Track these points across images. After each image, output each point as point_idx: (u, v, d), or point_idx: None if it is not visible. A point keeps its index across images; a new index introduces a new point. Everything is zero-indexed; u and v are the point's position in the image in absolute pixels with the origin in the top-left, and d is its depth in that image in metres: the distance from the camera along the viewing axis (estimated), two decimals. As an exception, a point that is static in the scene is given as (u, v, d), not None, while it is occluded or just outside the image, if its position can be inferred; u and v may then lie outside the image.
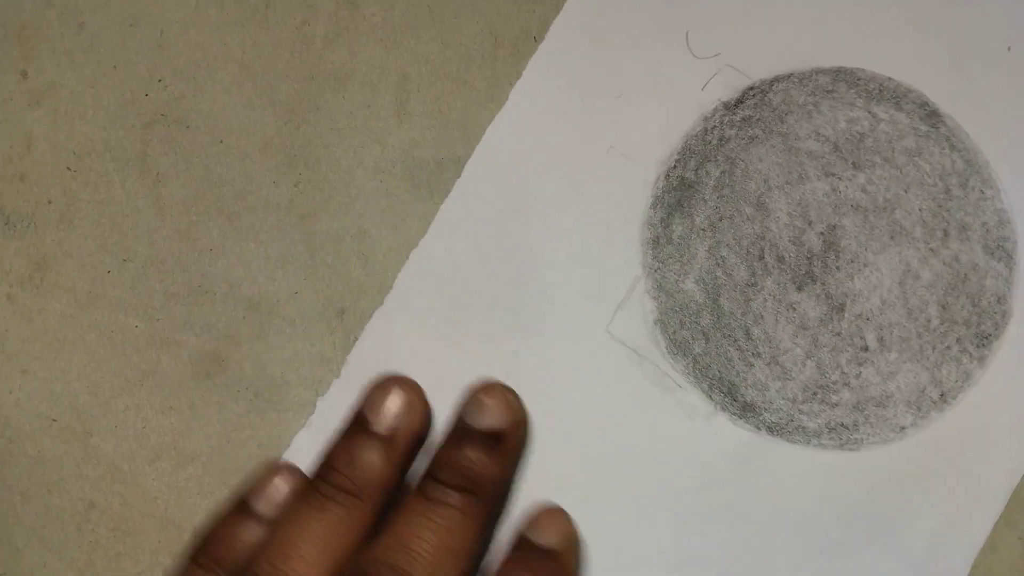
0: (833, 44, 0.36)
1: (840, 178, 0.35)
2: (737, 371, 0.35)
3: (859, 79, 0.36)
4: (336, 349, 0.37)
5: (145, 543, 0.37)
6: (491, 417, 0.29)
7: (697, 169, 0.36)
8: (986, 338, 0.35)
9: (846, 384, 0.35)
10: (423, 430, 0.31)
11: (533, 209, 0.37)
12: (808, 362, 0.35)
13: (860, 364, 0.35)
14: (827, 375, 0.35)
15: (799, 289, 0.35)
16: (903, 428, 0.34)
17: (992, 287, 0.35)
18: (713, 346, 0.35)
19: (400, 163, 0.38)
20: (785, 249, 0.35)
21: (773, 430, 0.35)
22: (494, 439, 0.29)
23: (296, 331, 0.37)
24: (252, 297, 0.37)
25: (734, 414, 0.35)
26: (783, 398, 0.35)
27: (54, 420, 0.37)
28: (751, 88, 0.36)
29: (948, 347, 0.35)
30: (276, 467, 0.31)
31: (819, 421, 0.35)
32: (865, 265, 0.35)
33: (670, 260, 0.36)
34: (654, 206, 0.36)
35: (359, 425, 0.30)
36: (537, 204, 0.36)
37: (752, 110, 0.36)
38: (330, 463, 0.29)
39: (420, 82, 0.38)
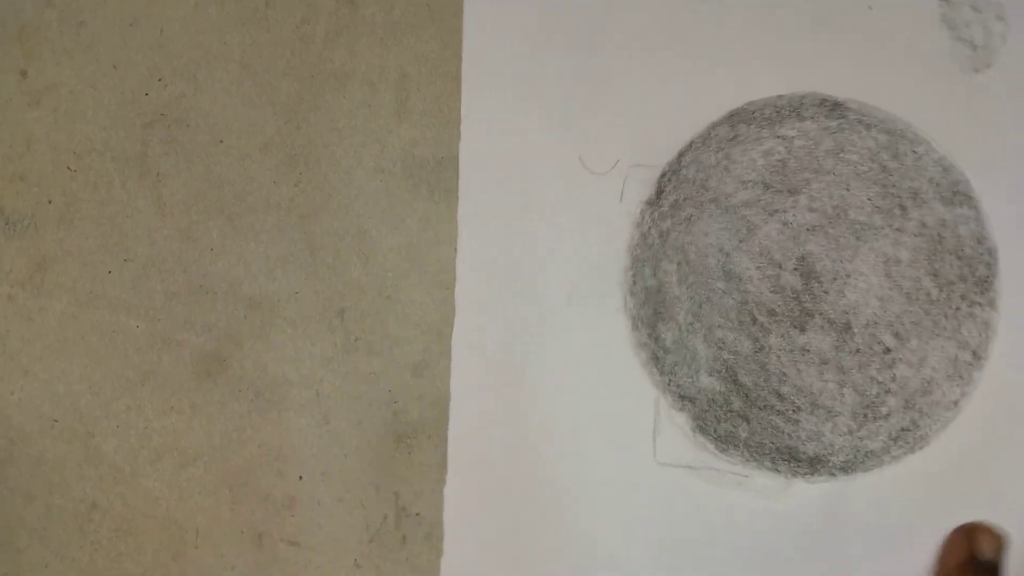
0: (713, 95, 0.36)
1: (784, 210, 0.35)
2: (788, 434, 0.35)
3: (752, 112, 0.36)
4: (337, 348, 0.37)
5: (147, 543, 0.37)
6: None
7: (655, 273, 0.36)
8: (985, 282, 0.35)
9: (887, 391, 0.35)
10: None
11: (535, 378, 0.37)
12: (844, 391, 0.35)
13: (890, 367, 0.35)
14: (867, 393, 0.35)
15: (802, 330, 0.35)
16: (956, 403, 0.35)
17: (967, 232, 0.35)
18: (756, 423, 0.35)
19: (400, 162, 0.37)
20: (771, 301, 0.35)
21: (847, 469, 0.35)
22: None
23: (297, 330, 0.37)
24: (253, 297, 0.37)
25: (806, 473, 0.35)
26: (840, 435, 0.35)
27: (56, 421, 0.37)
28: (663, 175, 0.36)
29: (957, 308, 0.35)
30: None
31: (881, 438, 0.35)
32: (848, 276, 0.35)
33: (677, 367, 0.35)
34: (635, 327, 0.36)
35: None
36: (541, 382, 0.37)
37: (675, 194, 0.36)
38: None
39: (420, 81, 0.38)
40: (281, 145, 0.38)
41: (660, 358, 0.35)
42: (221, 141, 0.38)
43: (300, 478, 0.37)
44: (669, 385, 0.35)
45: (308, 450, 0.37)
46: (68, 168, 0.38)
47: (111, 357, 0.37)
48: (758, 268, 0.35)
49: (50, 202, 0.38)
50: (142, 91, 0.38)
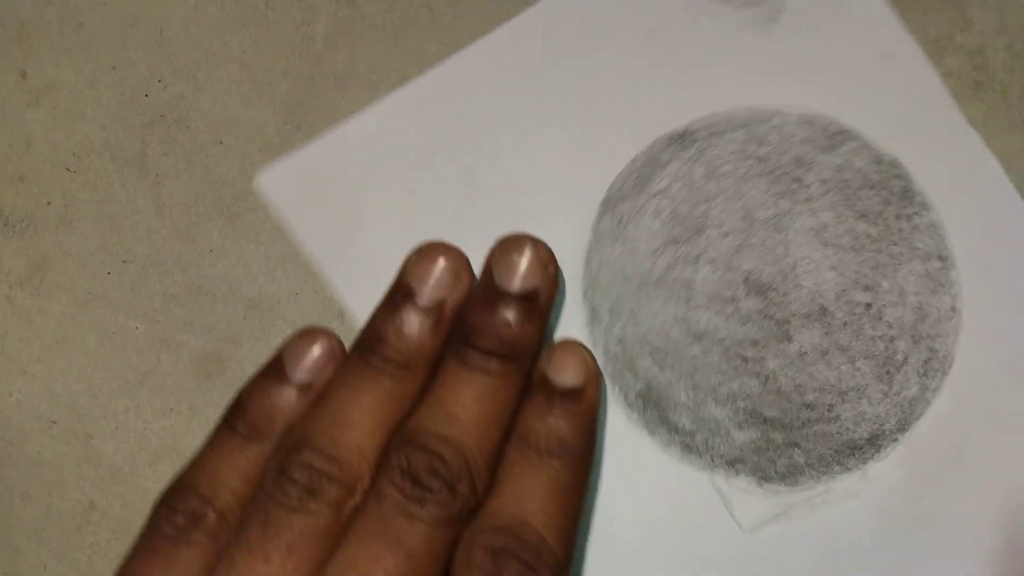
0: (580, 196, 0.36)
1: (703, 251, 0.35)
2: (837, 432, 0.35)
3: (620, 189, 0.36)
4: (337, 350, 0.37)
5: (146, 545, 0.37)
6: (526, 278, 0.29)
7: (636, 376, 0.35)
8: (906, 191, 0.35)
9: (892, 339, 0.35)
10: (466, 298, 0.30)
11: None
12: (858, 364, 0.35)
13: (879, 317, 0.35)
14: (876, 353, 0.35)
15: (789, 340, 0.35)
16: (952, 308, 0.35)
17: (863, 161, 0.35)
18: (806, 442, 0.35)
19: (401, 163, 0.37)
20: (747, 334, 0.35)
21: (903, 427, 0.35)
22: (529, 300, 0.29)
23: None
24: (252, 298, 0.37)
25: (873, 454, 0.35)
26: (878, 403, 0.35)
27: (54, 422, 0.37)
28: (584, 292, 0.35)
29: (900, 229, 0.35)
30: (313, 333, 0.30)
31: (914, 382, 0.35)
32: (794, 268, 0.35)
33: (709, 442, 0.35)
34: (653, 433, 0.35)
35: (405, 296, 0.29)
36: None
37: (606, 301, 0.35)
38: (379, 335, 0.29)
39: (421, 82, 0.38)
40: (281, 146, 0.38)
41: (691, 444, 0.35)
42: (221, 142, 0.38)
43: (300, 479, 0.37)
44: (713, 461, 0.35)
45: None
46: (67, 169, 0.38)
47: (110, 358, 0.37)
48: (717, 313, 0.35)
49: (49, 203, 0.38)
50: (142, 91, 0.38)
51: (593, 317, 0.35)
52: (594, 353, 0.33)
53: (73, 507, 0.37)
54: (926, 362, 0.35)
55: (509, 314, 0.28)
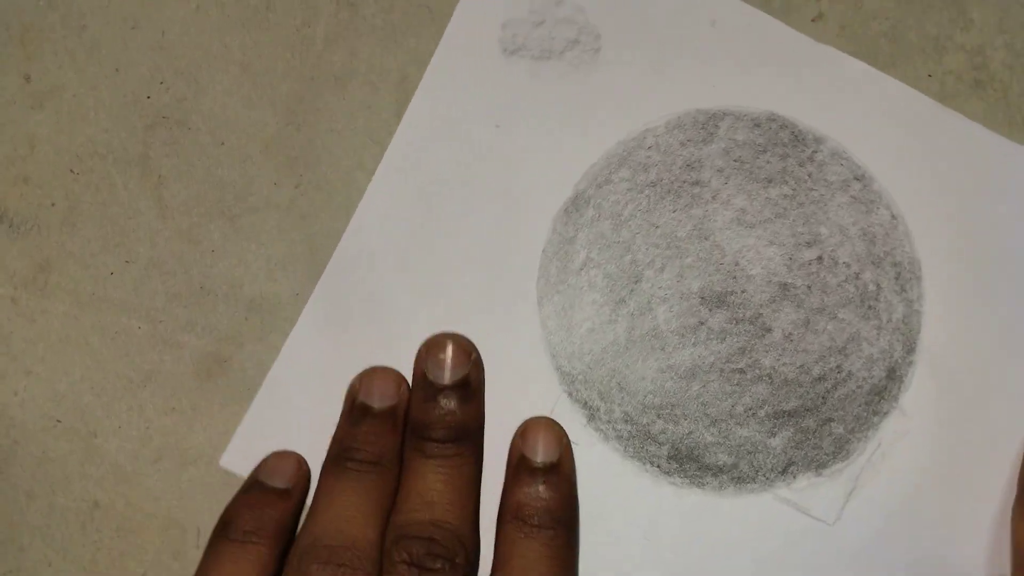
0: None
1: (651, 298, 0.35)
2: (858, 387, 0.35)
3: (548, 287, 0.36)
4: (337, 350, 0.37)
5: (148, 543, 0.37)
6: (455, 370, 0.32)
7: (656, 439, 0.35)
8: (809, 140, 0.36)
9: (860, 273, 0.35)
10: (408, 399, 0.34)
11: None
12: (841, 315, 0.35)
13: (835, 262, 0.35)
14: (854, 296, 0.35)
15: (770, 330, 0.35)
16: (893, 217, 0.35)
17: (744, 133, 0.36)
18: (837, 414, 0.35)
19: (400, 164, 0.37)
20: (731, 348, 0.35)
21: (909, 348, 0.35)
22: (463, 386, 0.32)
23: (297, 332, 0.37)
24: (254, 298, 0.38)
25: (900, 390, 0.35)
26: (884, 341, 0.35)
27: (58, 421, 0.38)
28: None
29: (809, 174, 0.35)
30: (284, 452, 0.34)
31: (899, 305, 0.35)
32: (737, 264, 0.35)
33: (755, 461, 0.35)
34: (700, 485, 0.35)
35: (362, 411, 0.33)
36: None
37: (607, 405, 0.36)
38: (349, 445, 0.32)
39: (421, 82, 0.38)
40: (282, 146, 0.38)
41: (740, 475, 0.35)
42: (222, 143, 0.38)
43: (300, 478, 0.37)
44: (768, 478, 0.35)
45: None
46: (71, 170, 0.38)
47: (113, 358, 0.38)
48: (694, 344, 0.35)
49: (53, 204, 0.38)
50: (144, 93, 0.39)
51: (590, 414, 0.36)
52: (609, 441, 0.35)
53: (77, 505, 0.37)
54: (897, 278, 0.35)
55: (450, 403, 0.32)
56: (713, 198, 0.35)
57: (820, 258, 0.35)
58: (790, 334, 0.35)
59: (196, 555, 0.37)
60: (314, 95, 0.38)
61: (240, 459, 0.37)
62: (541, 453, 0.32)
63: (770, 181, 0.35)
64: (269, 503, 0.32)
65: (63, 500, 0.37)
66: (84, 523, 0.37)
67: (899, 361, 0.35)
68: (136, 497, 0.37)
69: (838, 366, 0.35)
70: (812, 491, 0.35)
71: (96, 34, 0.39)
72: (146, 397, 0.37)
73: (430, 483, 0.31)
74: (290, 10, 0.38)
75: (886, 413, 0.35)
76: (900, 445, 0.35)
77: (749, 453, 0.35)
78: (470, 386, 0.32)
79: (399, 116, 0.38)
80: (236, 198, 0.38)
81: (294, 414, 0.37)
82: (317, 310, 0.37)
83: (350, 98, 0.38)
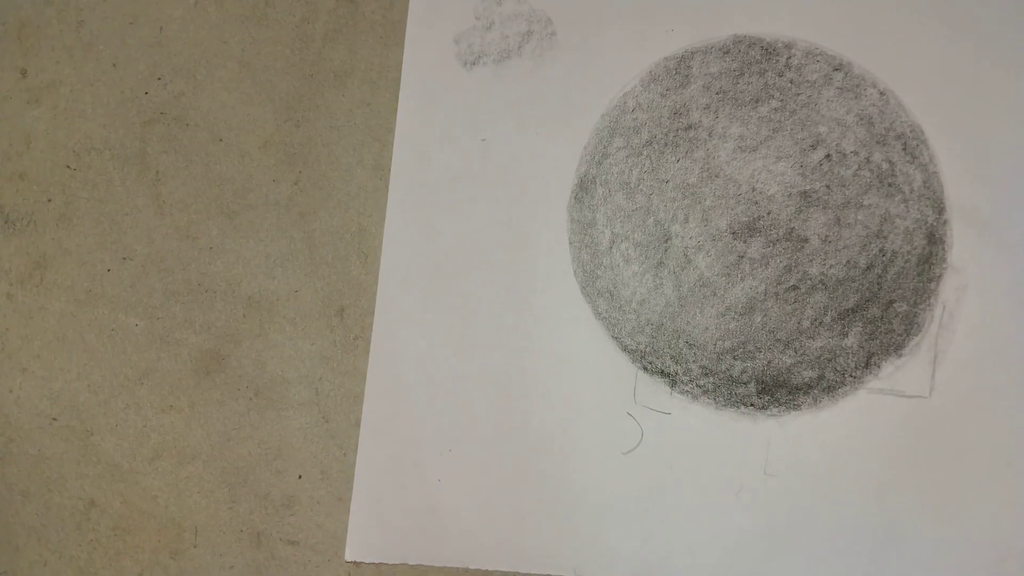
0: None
1: (688, 260, 0.36)
2: (907, 256, 0.35)
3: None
4: (336, 347, 0.37)
5: (145, 542, 0.37)
6: None
7: (752, 405, 0.36)
8: (779, 49, 0.36)
9: (870, 157, 0.35)
10: None
11: None
12: (867, 201, 0.35)
13: (843, 153, 0.35)
14: (871, 180, 0.35)
15: (806, 240, 0.35)
16: (881, 93, 0.35)
17: (719, 64, 0.36)
18: (899, 291, 0.35)
19: (400, 161, 0.37)
20: (780, 268, 0.36)
21: (940, 210, 0.36)
22: None
23: (296, 329, 0.37)
24: (252, 295, 0.37)
25: (947, 248, 0.35)
26: (911, 209, 0.35)
27: (54, 419, 0.37)
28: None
29: (792, 80, 0.36)
30: None
31: (916, 172, 0.36)
32: (753, 189, 0.36)
33: (835, 391, 0.35)
34: (796, 416, 0.36)
35: None
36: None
37: (657, 367, 0.36)
38: None
39: (420, 79, 0.38)
40: (280, 143, 0.38)
41: (831, 383, 0.36)
42: (220, 139, 0.38)
43: (299, 477, 0.37)
44: (857, 379, 0.35)
45: (307, 449, 0.37)
46: (67, 166, 0.38)
47: (110, 355, 0.37)
48: (741, 279, 0.35)
49: (49, 200, 0.38)
50: (141, 89, 0.38)
51: (671, 380, 0.36)
52: (699, 399, 0.36)
53: (73, 504, 0.37)
54: (904, 149, 0.35)
55: None
56: (709, 136, 0.35)
57: (828, 156, 0.35)
58: (826, 237, 0.35)
59: (194, 554, 0.37)
60: (313, 92, 0.38)
61: (364, 549, 0.37)
62: None
63: (757, 101, 0.35)
64: None
65: (59, 499, 0.37)
66: (80, 522, 0.37)
67: (934, 224, 0.35)
68: (133, 496, 0.37)
69: (880, 249, 0.35)
70: (900, 373, 0.35)
71: (93, 29, 0.39)
72: (143, 395, 0.37)
73: None
74: (289, 6, 0.38)
75: (940, 276, 0.35)
76: (963, 301, 0.35)
77: (829, 360, 0.35)
78: None
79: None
80: (234, 195, 0.38)
81: (392, 490, 0.37)
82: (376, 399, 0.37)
83: (349, 95, 0.38)
